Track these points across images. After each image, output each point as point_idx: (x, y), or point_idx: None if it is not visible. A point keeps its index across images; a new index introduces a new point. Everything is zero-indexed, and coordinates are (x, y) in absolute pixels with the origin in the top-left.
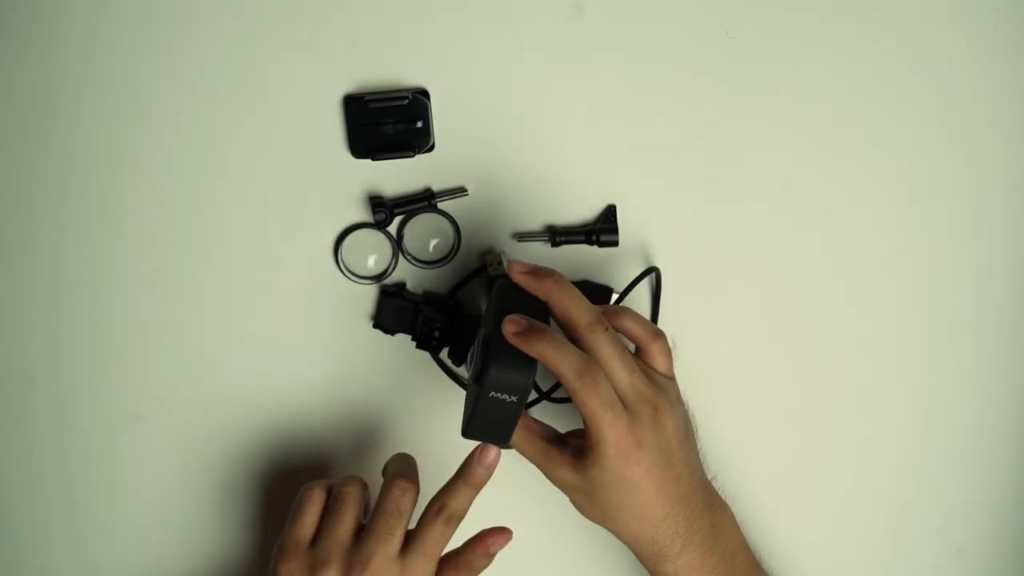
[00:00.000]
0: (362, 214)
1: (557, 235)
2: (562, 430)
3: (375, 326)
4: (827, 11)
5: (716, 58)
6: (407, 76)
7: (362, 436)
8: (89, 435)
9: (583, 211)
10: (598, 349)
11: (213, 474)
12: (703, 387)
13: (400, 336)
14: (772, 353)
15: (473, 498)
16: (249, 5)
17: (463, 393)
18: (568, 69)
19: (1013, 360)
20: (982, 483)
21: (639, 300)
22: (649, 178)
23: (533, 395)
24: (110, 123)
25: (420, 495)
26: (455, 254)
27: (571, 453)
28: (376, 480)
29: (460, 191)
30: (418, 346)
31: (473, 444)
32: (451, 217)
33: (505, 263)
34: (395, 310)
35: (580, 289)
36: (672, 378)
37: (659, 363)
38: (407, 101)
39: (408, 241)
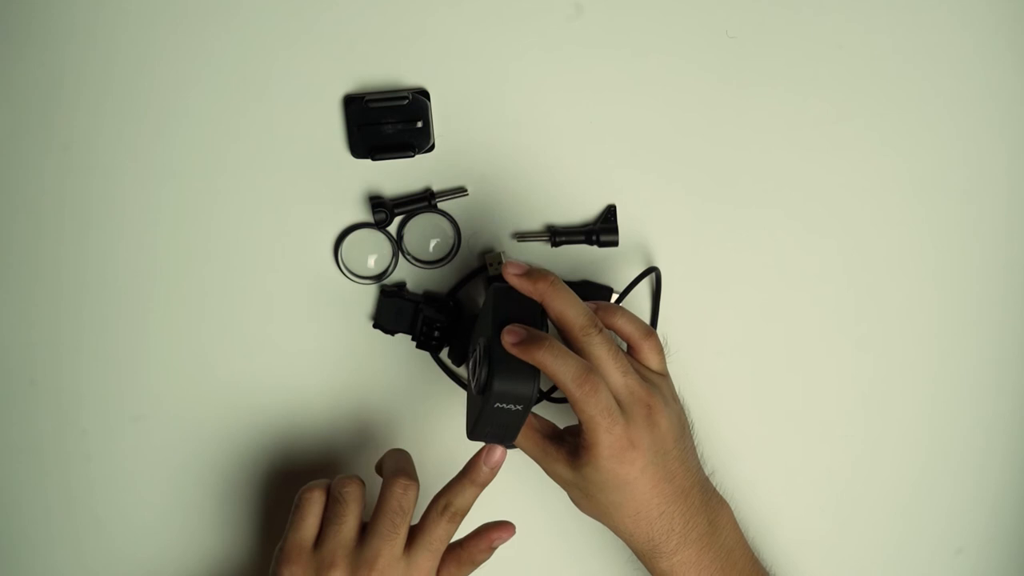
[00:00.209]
0: (362, 214)
1: (557, 235)
2: (562, 426)
3: (375, 326)
4: (827, 11)
5: (716, 58)
6: (407, 76)
7: (362, 436)
8: (89, 435)
9: (583, 211)
10: (593, 352)
11: (213, 474)
12: (703, 386)
13: (400, 336)
14: (772, 352)
15: (477, 496)
16: (249, 5)
17: (463, 393)
18: (568, 69)
19: (1013, 360)
20: (982, 483)
21: (639, 300)
22: (649, 178)
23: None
24: (110, 123)
25: (420, 492)
26: (455, 254)
27: (567, 450)
28: (373, 478)
29: (460, 191)
30: (418, 346)
31: (477, 444)
32: (451, 217)
33: (503, 263)
34: (395, 310)
35: (580, 289)
36: (665, 375)
37: (652, 361)
38: (407, 101)
39: (408, 241)
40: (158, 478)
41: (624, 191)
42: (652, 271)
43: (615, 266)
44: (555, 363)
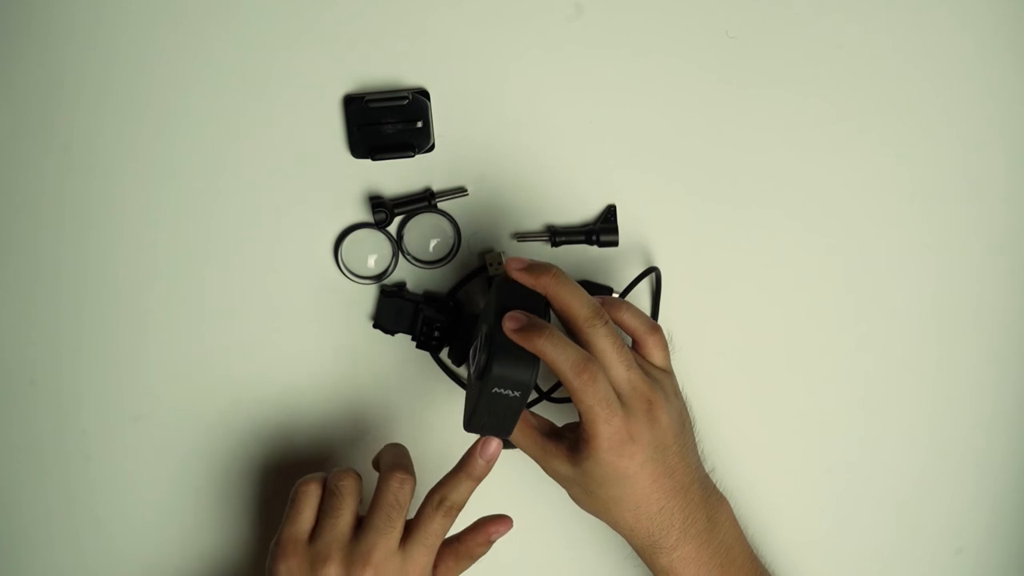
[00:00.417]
0: (362, 214)
1: (557, 235)
2: (562, 425)
3: (375, 326)
4: (827, 11)
5: (716, 58)
6: (407, 76)
7: (362, 436)
8: (89, 435)
9: (583, 211)
10: (596, 343)
11: (213, 474)
12: (703, 386)
13: (400, 336)
14: (772, 352)
15: (473, 490)
16: (249, 5)
17: (463, 393)
18: (568, 69)
19: (1013, 360)
20: (982, 483)
21: (639, 300)
22: (649, 178)
23: (533, 395)
24: (110, 123)
25: (417, 488)
26: (455, 254)
27: (567, 447)
28: (371, 473)
29: (460, 191)
30: (418, 346)
31: (474, 437)
32: (451, 217)
33: (506, 259)
34: (395, 310)
35: None
36: (669, 371)
37: (656, 356)
38: (407, 101)
39: (408, 241)
40: (158, 478)
41: (624, 191)
42: (652, 271)
43: (615, 266)
44: (554, 351)
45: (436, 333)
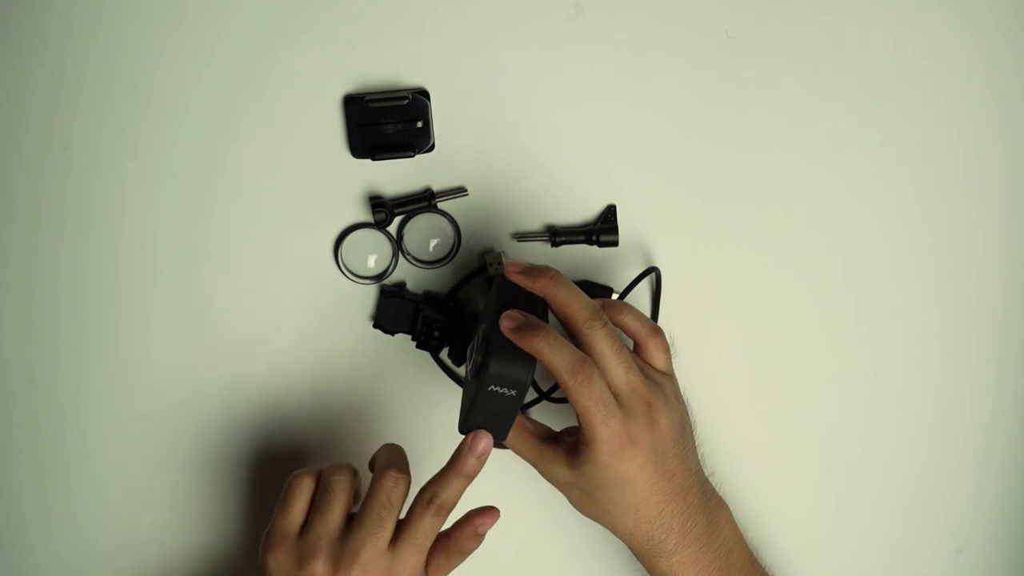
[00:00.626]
0: (362, 214)
1: (557, 235)
2: (563, 428)
3: (375, 326)
4: (827, 11)
5: (716, 58)
6: (407, 76)
7: (362, 436)
8: (89, 435)
9: (583, 211)
10: (595, 345)
11: (213, 474)
12: (703, 386)
13: (400, 336)
14: (772, 352)
15: (464, 488)
16: (249, 5)
17: (462, 392)
18: (568, 69)
19: (1014, 360)
20: (982, 483)
21: (639, 300)
22: (649, 178)
23: (533, 395)
24: (110, 123)
25: (413, 488)
26: (455, 254)
27: (565, 450)
28: (369, 474)
29: (460, 191)
30: (418, 346)
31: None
32: (451, 217)
33: (505, 263)
34: (395, 310)
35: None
36: (670, 375)
37: (657, 360)
38: (407, 101)
39: (408, 241)
40: (158, 478)
41: (624, 191)
42: (652, 271)
43: (615, 266)
44: (550, 351)
45: (436, 333)
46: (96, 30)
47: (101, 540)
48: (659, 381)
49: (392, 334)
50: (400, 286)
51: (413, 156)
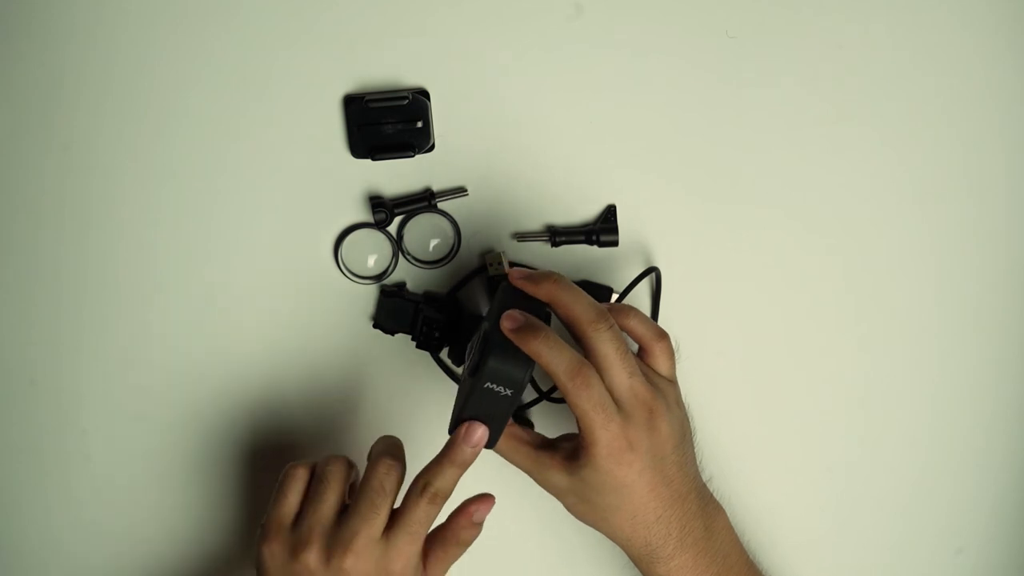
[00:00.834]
0: (362, 214)
1: (557, 235)
2: (562, 431)
3: (375, 326)
4: (827, 10)
5: (716, 58)
6: (407, 76)
7: (362, 436)
8: (89, 435)
9: (583, 211)
10: (600, 348)
11: (213, 474)
12: (703, 387)
13: (400, 336)
14: (772, 353)
15: (458, 478)
16: (249, 5)
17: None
18: (568, 69)
19: (1014, 360)
20: (982, 483)
21: (639, 300)
22: (649, 178)
23: (533, 395)
24: (110, 123)
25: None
26: (455, 254)
27: (563, 456)
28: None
29: (460, 191)
30: (418, 346)
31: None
32: (451, 217)
33: (505, 263)
34: (395, 310)
35: None
36: (673, 380)
37: (661, 365)
38: (407, 101)
39: (408, 241)
40: (158, 478)
41: (624, 191)
42: (652, 271)
43: (615, 266)
44: (549, 353)
45: (436, 333)
46: (96, 30)
47: (101, 540)
48: (662, 387)
49: (392, 334)
50: (400, 286)
51: (413, 156)
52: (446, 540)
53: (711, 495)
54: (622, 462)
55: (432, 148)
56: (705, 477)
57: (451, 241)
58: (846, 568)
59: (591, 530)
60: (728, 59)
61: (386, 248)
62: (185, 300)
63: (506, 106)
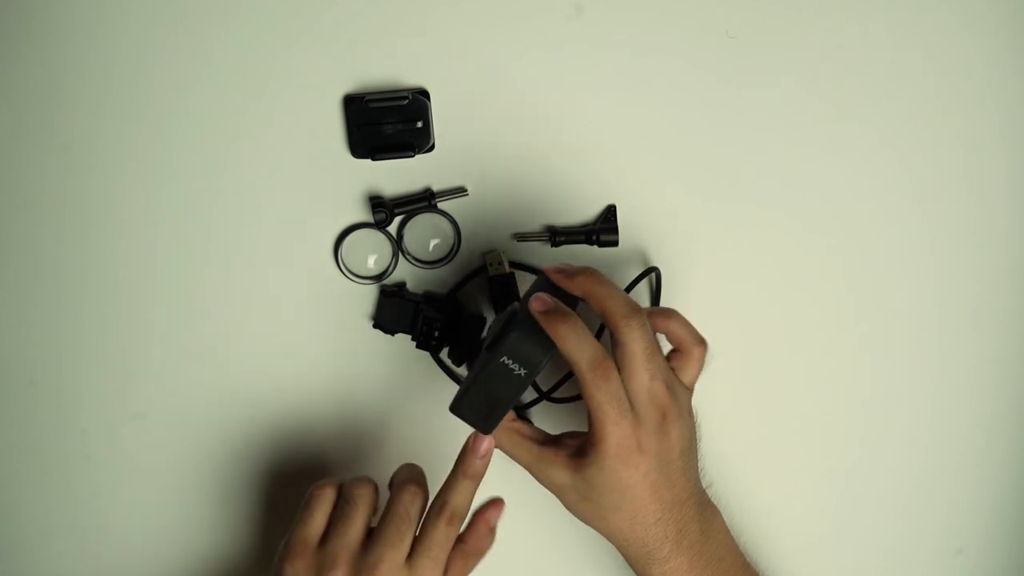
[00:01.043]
0: (362, 214)
1: (557, 235)
2: (562, 430)
3: (375, 326)
4: (827, 10)
5: (716, 58)
6: (407, 76)
7: (362, 436)
8: (89, 435)
9: (583, 211)
10: (629, 344)
11: (213, 474)
12: (703, 387)
13: (400, 336)
14: (772, 353)
15: (474, 491)
16: (249, 5)
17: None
18: (568, 69)
19: (1014, 360)
20: (982, 483)
21: (639, 300)
22: (649, 178)
23: (533, 395)
24: (110, 123)
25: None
26: (455, 254)
27: (567, 452)
28: (381, 480)
29: (460, 191)
30: (418, 346)
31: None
32: (451, 217)
33: (505, 263)
34: (395, 310)
35: None
36: (690, 389)
37: (688, 373)
38: (407, 101)
39: (408, 241)
40: (158, 478)
41: (624, 191)
42: (652, 271)
43: (615, 266)
44: (575, 339)
45: (436, 333)
46: (96, 30)
47: (101, 540)
48: (679, 393)
49: (392, 334)
50: (400, 286)
51: (413, 156)
52: (466, 552)
53: (709, 500)
54: (629, 463)
55: (432, 148)
56: (705, 483)
57: (451, 241)
58: (846, 568)
59: (588, 529)
60: (728, 59)
61: (386, 248)
62: (185, 300)
63: (506, 106)
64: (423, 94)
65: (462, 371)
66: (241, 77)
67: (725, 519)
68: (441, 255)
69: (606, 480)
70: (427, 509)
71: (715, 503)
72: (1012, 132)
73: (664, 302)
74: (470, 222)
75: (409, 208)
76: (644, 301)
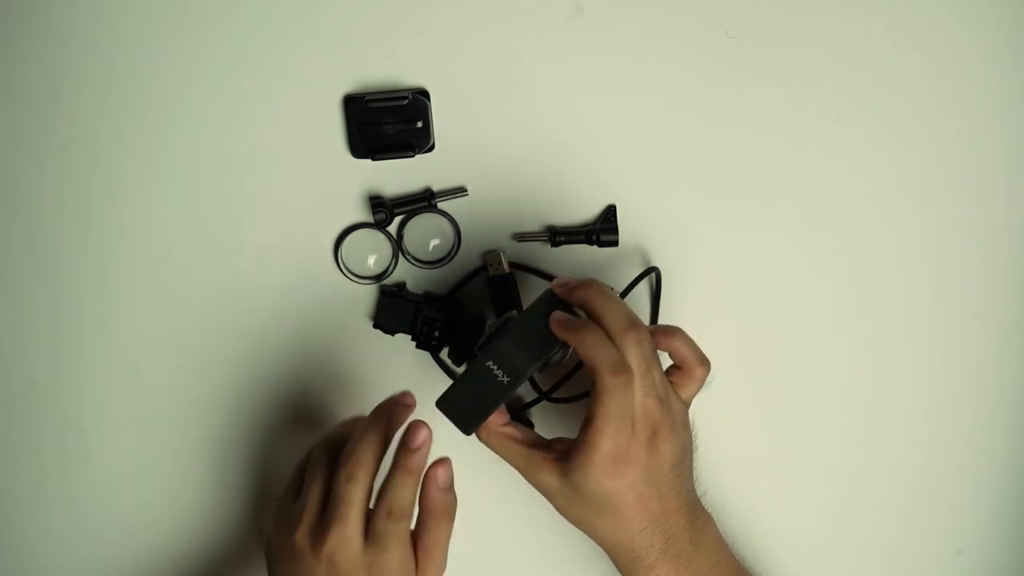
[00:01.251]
0: (362, 214)
1: (557, 235)
2: (562, 432)
3: (375, 326)
4: (827, 11)
5: (716, 58)
6: (407, 76)
7: None
8: (89, 435)
9: (583, 211)
10: (625, 359)
11: (213, 475)
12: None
13: (400, 336)
14: (772, 352)
15: (414, 483)
16: (249, 5)
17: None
18: (568, 69)
19: (1013, 360)
20: (982, 483)
21: (639, 300)
22: (649, 178)
23: (533, 395)
24: (110, 123)
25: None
26: (455, 254)
27: (555, 457)
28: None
29: (460, 191)
30: (418, 346)
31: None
32: (451, 217)
33: (505, 263)
34: (395, 310)
35: None
36: (687, 404)
37: (687, 390)
38: (407, 101)
39: (408, 241)
40: (158, 478)
41: (624, 191)
42: (652, 271)
43: (615, 266)
44: (596, 344)
45: (436, 333)
46: (96, 30)
47: (101, 540)
48: (675, 408)
49: (392, 334)
50: (400, 286)
51: (413, 156)
52: (426, 519)
53: (702, 509)
54: (614, 474)
55: (432, 148)
56: (702, 486)
57: (451, 241)
58: (846, 568)
59: (577, 531)
60: (728, 59)
61: (386, 248)
62: (185, 300)
63: (506, 106)
64: (423, 94)
65: (462, 371)
66: (241, 77)
67: (724, 520)
68: (441, 255)
69: (592, 488)
70: (373, 508)
71: (711, 509)
72: (1012, 132)
73: (664, 302)
74: (470, 222)
75: (409, 208)
76: (644, 301)
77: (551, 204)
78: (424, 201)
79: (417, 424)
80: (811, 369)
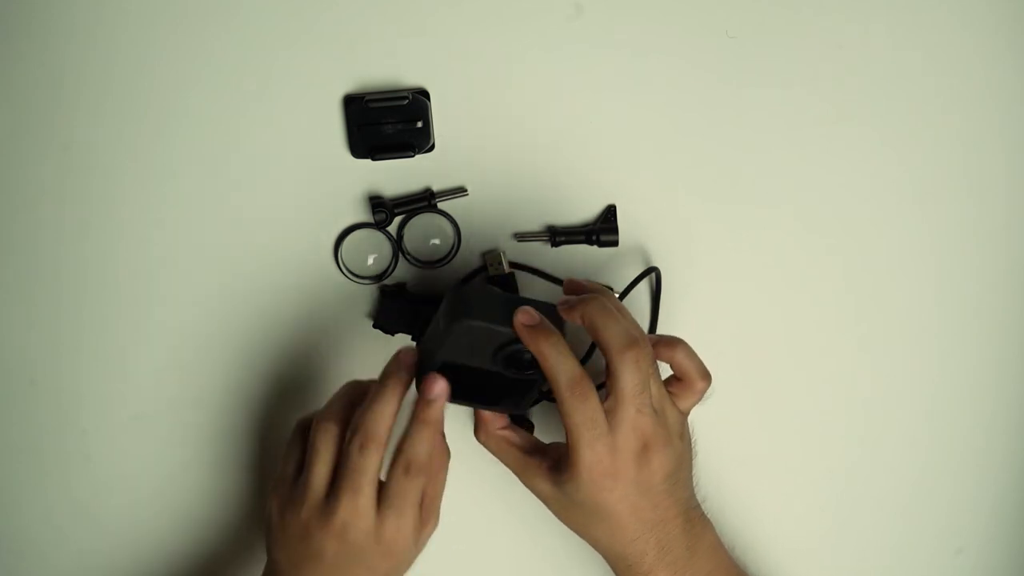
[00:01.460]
0: (362, 214)
1: (557, 235)
2: (562, 433)
3: (375, 326)
4: (827, 11)
5: (716, 58)
6: (407, 76)
7: None
8: (89, 435)
9: (583, 211)
10: (620, 378)
11: (213, 475)
12: None
13: (400, 336)
14: (772, 353)
15: (432, 436)
16: (249, 5)
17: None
18: (568, 69)
19: (1013, 360)
20: (982, 483)
21: (639, 300)
22: (649, 178)
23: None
24: (110, 123)
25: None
26: (455, 254)
27: (549, 465)
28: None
29: (460, 191)
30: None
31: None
32: (451, 217)
33: (505, 263)
34: (395, 310)
35: None
36: (685, 415)
37: (685, 402)
38: (407, 101)
39: (408, 241)
40: (158, 477)
41: (624, 191)
42: (652, 271)
43: (615, 266)
44: (556, 358)
45: None
46: (96, 30)
47: (101, 540)
48: (671, 421)
49: (392, 334)
50: (400, 286)
51: (413, 156)
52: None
53: (700, 515)
54: (603, 487)
55: (432, 148)
56: (700, 497)
57: (451, 241)
58: (846, 568)
59: (574, 534)
60: (728, 59)
61: (386, 248)
62: (185, 300)
63: (506, 106)
64: (423, 94)
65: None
66: (241, 77)
67: (724, 521)
68: (441, 255)
69: (583, 498)
70: (390, 465)
71: (710, 512)
72: (1012, 132)
73: (664, 302)
74: (470, 222)
75: (409, 208)
76: (644, 301)
77: (551, 204)
78: (424, 201)
79: (432, 376)
80: (811, 369)
